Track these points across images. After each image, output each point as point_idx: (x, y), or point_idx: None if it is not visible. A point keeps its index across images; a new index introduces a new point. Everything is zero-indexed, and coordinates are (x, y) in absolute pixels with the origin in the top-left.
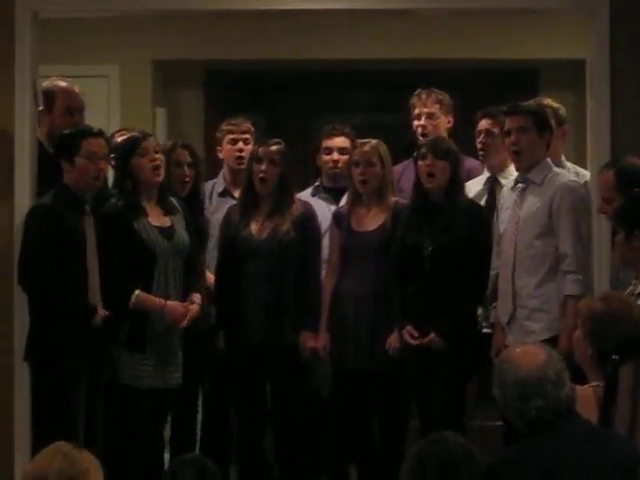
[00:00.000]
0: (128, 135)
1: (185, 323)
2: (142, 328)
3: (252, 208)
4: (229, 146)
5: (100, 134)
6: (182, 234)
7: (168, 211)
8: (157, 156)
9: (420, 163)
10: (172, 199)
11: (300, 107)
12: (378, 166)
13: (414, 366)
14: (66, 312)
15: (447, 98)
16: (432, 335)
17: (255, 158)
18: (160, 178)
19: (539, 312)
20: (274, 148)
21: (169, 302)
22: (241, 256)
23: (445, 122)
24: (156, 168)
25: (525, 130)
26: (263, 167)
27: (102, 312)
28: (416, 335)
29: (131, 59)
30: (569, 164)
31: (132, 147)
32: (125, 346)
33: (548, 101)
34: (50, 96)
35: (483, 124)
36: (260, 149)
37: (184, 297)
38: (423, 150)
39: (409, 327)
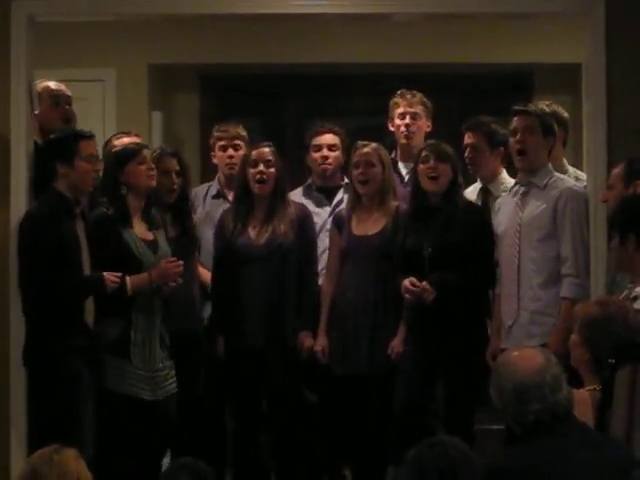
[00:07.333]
0: (123, 146)
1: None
2: (127, 333)
3: (247, 212)
4: (220, 153)
5: (93, 136)
6: (164, 247)
7: (151, 226)
8: (153, 166)
9: (421, 166)
10: (155, 212)
11: (296, 111)
12: (378, 167)
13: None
14: (76, 295)
15: (429, 102)
16: (424, 283)
17: (250, 161)
18: (154, 184)
19: (542, 315)
20: (267, 150)
21: (153, 270)
22: (240, 261)
23: (425, 126)
24: (151, 177)
25: (531, 130)
26: (260, 169)
27: (110, 276)
28: (417, 284)
29: (127, 63)
30: (571, 168)
31: (132, 154)
32: (110, 351)
33: (553, 106)
34: (33, 97)
35: (467, 139)
36: (254, 152)
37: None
38: (425, 153)
39: (411, 277)
